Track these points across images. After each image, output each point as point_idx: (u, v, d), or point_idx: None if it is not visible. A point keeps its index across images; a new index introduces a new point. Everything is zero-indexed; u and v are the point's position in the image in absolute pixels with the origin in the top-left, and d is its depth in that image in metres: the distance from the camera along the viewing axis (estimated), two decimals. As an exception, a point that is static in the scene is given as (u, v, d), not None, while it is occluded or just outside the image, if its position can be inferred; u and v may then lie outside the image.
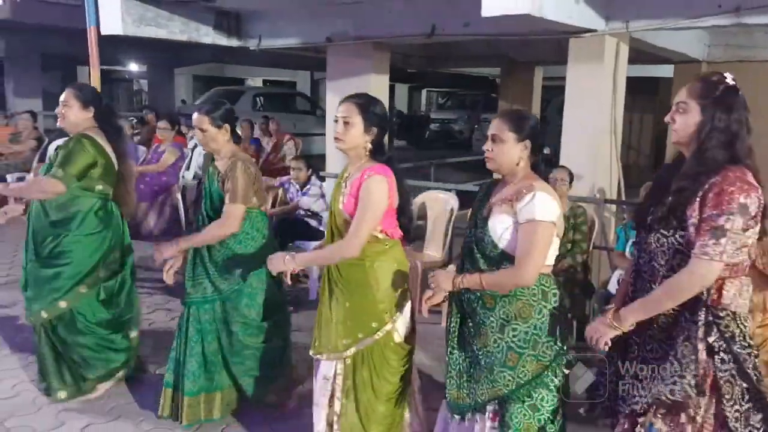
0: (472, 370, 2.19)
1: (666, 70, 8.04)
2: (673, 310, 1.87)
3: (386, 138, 2.50)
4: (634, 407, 1.92)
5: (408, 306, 2.49)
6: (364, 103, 2.41)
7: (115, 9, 5.28)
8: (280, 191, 5.39)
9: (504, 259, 2.11)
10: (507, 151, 2.15)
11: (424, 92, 27.21)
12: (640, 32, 4.86)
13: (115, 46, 8.67)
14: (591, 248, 4.51)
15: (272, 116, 9.03)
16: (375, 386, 2.44)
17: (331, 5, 5.76)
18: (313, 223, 5.18)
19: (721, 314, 1.84)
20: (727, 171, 1.79)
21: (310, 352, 2.55)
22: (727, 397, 1.83)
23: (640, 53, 5.98)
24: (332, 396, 2.49)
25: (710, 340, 1.83)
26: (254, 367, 2.99)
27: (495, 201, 2.19)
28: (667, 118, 1.92)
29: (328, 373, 2.49)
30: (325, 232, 2.61)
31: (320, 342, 2.52)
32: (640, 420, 1.94)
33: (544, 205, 2.05)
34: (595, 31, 4.64)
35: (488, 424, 2.16)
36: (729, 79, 1.89)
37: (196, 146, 8.88)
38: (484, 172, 9.09)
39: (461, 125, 18.84)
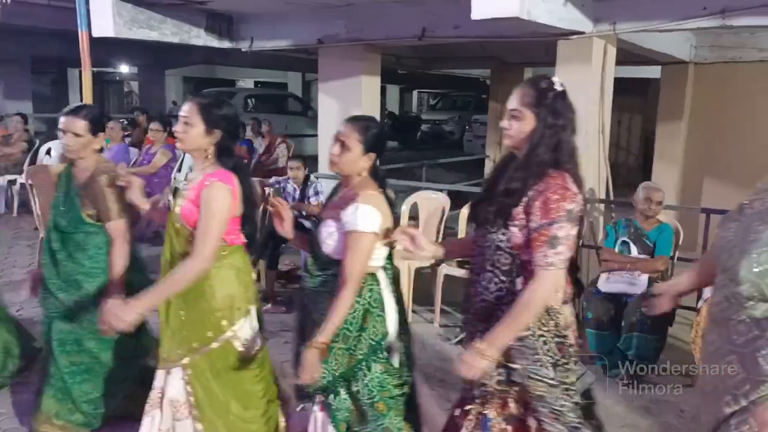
0: None
1: (654, 71, 8.12)
2: (495, 307, 1.99)
3: (232, 143, 2.42)
4: (464, 395, 2.07)
5: (254, 313, 2.46)
6: (207, 103, 2.34)
7: (106, 11, 5.29)
8: (271, 191, 5.42)
9: (328, 261, 2.22)
10: (353, 159, 2.23)
11: (415, 93, 27.28)
12: (627, 34, 4.92)
13: (105, 48, 8.66)
14: (580, 247, 4.58)
15: (264, 118, 9.06)
16: (225, 390, 2.39)
17: (322, 7, 5.80)
18: (306, 224, 5.22)
19: None
20: (549, 178, 1.91)
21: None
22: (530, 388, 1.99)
23: (628, 54, 6.05)
24: (162, 405, 2.40)
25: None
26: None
27: (330, 205, 2.33)
28: (503, 124, 2.00)
29: (158, 383, 2.43)
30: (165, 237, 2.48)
31: (161, 354, 2.44)
32: (469, 408, 2.09)
33: (366, 217, 2.16)
34: (583, 33, 4.70)
35: (319, 415, 2.29)
36: (557, 84, 2.00)
37: (188, 148, 8.88)
38: (476, 173, 9.25)
39: (452, 126, 18.94)
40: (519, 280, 1.97)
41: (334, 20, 5.85)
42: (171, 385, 2.39)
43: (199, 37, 6.22)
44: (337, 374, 2.21)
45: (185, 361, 2.37)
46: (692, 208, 6.33)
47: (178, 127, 2.35)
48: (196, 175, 2.39)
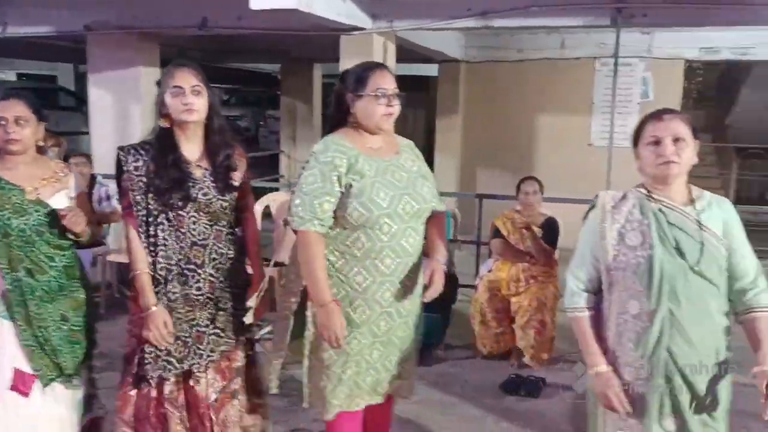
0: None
1: (434, 69, 8.70)
2: (234, 259, 2.33)
3: None
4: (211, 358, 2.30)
5: None
6: None
7: None
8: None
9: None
10: (33, 132, 2.27)
11: (206, 88, 26.26)
12: (405, 32, 5.18)
13: None
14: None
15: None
16: None
17: (88, -10, 5.28)
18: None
19: None
20: (234, 142, 2.35)
21: None
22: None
23: (408, 52, 6.39)
24: None
25: None
26: None
27: (39, 189, 2.28)
28: (187, 100, 2.16)
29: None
30: None
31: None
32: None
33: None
34: (363, 29, 4.85)
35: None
36: None
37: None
38: (271, 168, 9.12)
39: (247, 122, 18.65)
40: (239, 229, 2.37)
41: (103, 5, 5.35)
42: None
43: (-68, 20, 5.31)
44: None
45: None
46: (467, 194, 6.91)
47: None
48: None
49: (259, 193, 5.30)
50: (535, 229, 4.16)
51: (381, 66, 2.23)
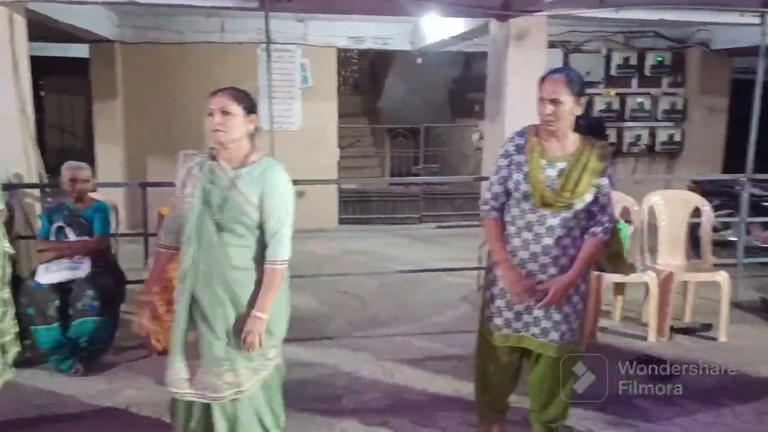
0: None
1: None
2: None
3: None
4: None
5: None
6: None
7: None
8: None
9: None
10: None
11: None
12: (37, 5, 4.55)
13: None
14: (15, 239, 4.12)
15: None
16: None
17: None
18: None
19: None
20: None
21: None
22: None
23: (53, 30, 5.67)
24: None
25: None
26: None
27: None
28: None
29: None
30: None
31: None
32: None
33: None
34: (-22, -3, 4.12)
35: None
36: None
37: None
38: None
39: None
40: None
41: None
42: None
43: None
44: None
45: None
46: (128, 184, 6.50)
47: None
48: None
49: None
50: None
51: None
